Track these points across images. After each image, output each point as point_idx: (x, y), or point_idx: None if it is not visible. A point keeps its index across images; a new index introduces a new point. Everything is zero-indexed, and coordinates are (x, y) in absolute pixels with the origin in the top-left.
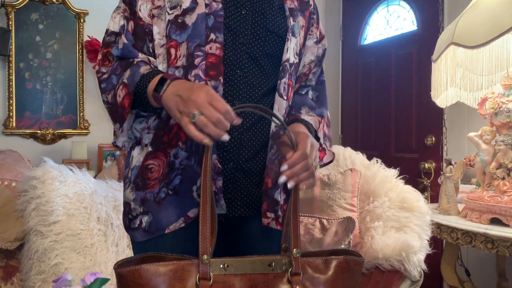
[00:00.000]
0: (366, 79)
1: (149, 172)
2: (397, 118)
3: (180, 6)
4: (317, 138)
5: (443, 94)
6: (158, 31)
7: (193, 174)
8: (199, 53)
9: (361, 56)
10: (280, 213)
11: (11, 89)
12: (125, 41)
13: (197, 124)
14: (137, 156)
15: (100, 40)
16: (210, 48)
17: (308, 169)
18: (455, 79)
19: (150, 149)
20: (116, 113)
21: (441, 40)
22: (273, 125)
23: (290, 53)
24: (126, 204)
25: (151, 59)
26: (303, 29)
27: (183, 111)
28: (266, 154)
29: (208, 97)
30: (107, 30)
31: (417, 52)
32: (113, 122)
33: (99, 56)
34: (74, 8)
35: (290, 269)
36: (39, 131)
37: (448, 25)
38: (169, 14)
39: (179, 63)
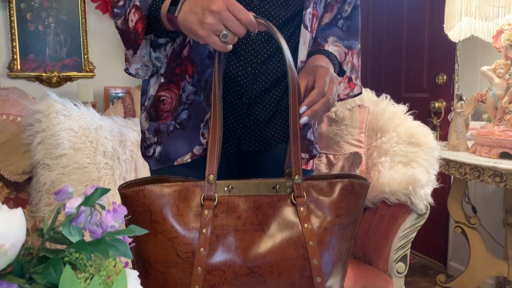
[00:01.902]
0: (377, 16)
1: (161, 103)
2: (408, 57)
3: None
4: (343, 72)
5: (456, 26)
6: None
7: (201, 110)
8: None
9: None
10: (315, 152)
11: (13, 31)
12: None
13: (227, 41)
14: (153, 85)
15: None
16: None
17: (326, 107)
18: (469, 8)
19: (162, 80)
20: (129, 39)
21: None
22: (299, 60)
23: None
24: (142, 132)
25: None
26: None
27: (204, 25)
28: (281, 87)
29: (226, 4)
30: None
31: None
32: (126, 48)
33: None
34: None
35: (293, 192)
36: (44, 74)
37: None
38: None
39: None
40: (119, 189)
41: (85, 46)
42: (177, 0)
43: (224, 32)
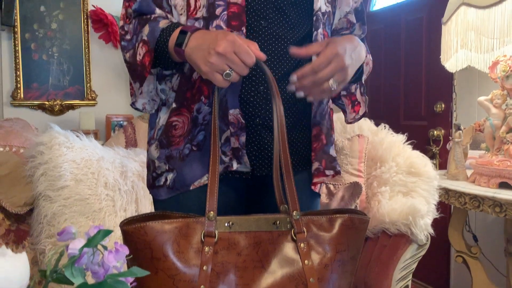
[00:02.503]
0: (375, 46)
1: (173, 129)
2: (406, 85)
3: None
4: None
5: (453, 58)
6: None
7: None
8: (221, 2)
9: (370, 23)
10: (338, 168)
11: (17, 60)
12: None
13: (229, 79)
14: (164, 115)
15: (105, 9)
16: None
17: (321, 89)
18: (465, 41)
19: (174, 105)
20: (135, 72)
21: (451, 1)
22: None
23: (321, 1)
24: (151, 162)
25: (169, 15)
26: None
27: (209, 64)
28: (296, 110)
29: (232, 47)
30: None
31: (427, 17)
32: (132, 81)
33: (122, 11)
34: None
35: (293, 228)
36: (47, 102)
37: None
38: None
39: (199, 14)
40: (120, 226)
41: (88, 75)
42: (185, 32)
43: (228, 71)
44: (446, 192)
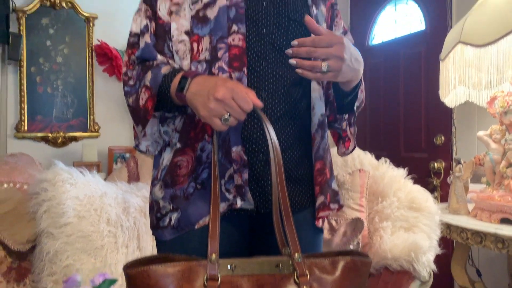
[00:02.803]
0: (374, 79)
1: (177, 168)
2: (406, 117)
3: (201, 0)
4: (357, 95)
5: (451, 93)
6: (176, 27)
7: (220, 167)
8: (222, 45)
9: (369, 57)
10: (342, 202)
11: (22, 93)
12: (148, 40)
13: (227, 124)
14: (168, 156)
15: (109, 43)
16: (233, 40)
17: (312, 65)
18: (463, 77)
19: (178, 146)
20: (138, 116)
21: (448, 39)
22: (318, 113)
23: None
24: (155, 202)
25: (171, 61)
26: (326, 20)
27: (208, 109)
28: (300, 147)
29: (231, 93)
30: (130, 32)
31: (425, 52)
32: (135, 125)
33: (125, 58)
34: (84, 12)
35: (296, 271)
36: (50, 134)
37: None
38: (191, 9)
39: (202, 57)
40: (123, 269)
41: (91, 107)
42: (186, 78)
43: (226, 116)
44: (448, 227)
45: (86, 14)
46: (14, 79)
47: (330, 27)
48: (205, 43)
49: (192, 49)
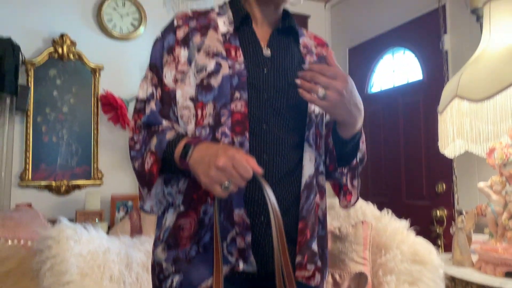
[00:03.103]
0: (374, 127)
1: (180, 230)
2: (407, 165)
3: (206, 69)
4: (357, 145)
5: (450, 146)
6: (181, 94)
7: (222, 230)
8: (225, 111)
9: (369, 104)
10: (319, 264)
11: (28, 143)
12: (153, 107)
13: (228, 191)
14: (171, 217)
15: (114, 93)
16: (236, 106)
17: (321, 93)
18: (461, 131)
19: (181, 209)
20: (144, 179)
21: (445, 92)
22: (306, 175)
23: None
24: (157, 264)
25: (175, 125)
26: None
27: (209, 176)
28: (297, 209)
29: (231, 161)
30: (137, 98)
31: (423, 101)
32: (141, 187)
33: (131, 123)
34: (90, 63)
35: None
36: (53, 183)
37: (453, 75)
38: (196, 77)
39: (205, 122)
40: None
41: (95, 155)
42: (189, 145)
43: (226, 184)
44: (452, 280)
45: (92, 65)
46: (21, 128)
47: None
48: (209, 109)
49: (196, 115)
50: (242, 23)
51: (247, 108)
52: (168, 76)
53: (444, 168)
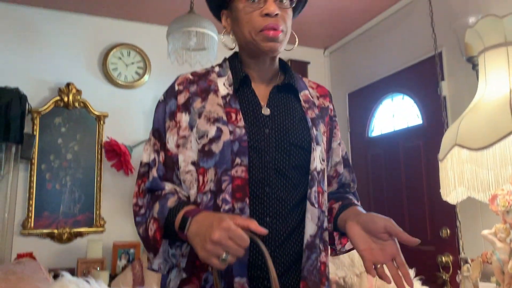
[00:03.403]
0: (376, 170)
1: None
2: (410, 209)
3: (207, 135)
4: None
5: (452, 193)
6: (183, 158)
7: None
8: (226, 177)
9: (370, 148)
10: None
11: (31, 190)
12: (155, 174)
13: (225, 263)
14: (174, 279)
15: (118, 140)
16: (236, 172)
17: None
18: (462, 179)
19: (184, 275)
20: (149, 245)
21: (445, 140)
22: (308, 234)
23: (316, 162)
24: None
25: (177, 188)
26: (325, 134)
27: (205, 250)
28: (300, 267)
29: (227, 233)
30: (141, 162)
31: (424, 145)
32: (147, 252)
33: (135, 189)
34: (95, 111)
35: None
36: (56, 231)
37: (451, 121)
38: (198, 143)
39: (207, 188)
40: None
41: (98, 202)
42: (187, 218)
43: (223, 256)
44: None
45: (97, 113)
46: (25, 176)
47: (329, 139)
48: (210, 174)
49: (198, 181)
50: (241, 84)
51: (248, 173)
52: (171, 141)
53: (447, 212)
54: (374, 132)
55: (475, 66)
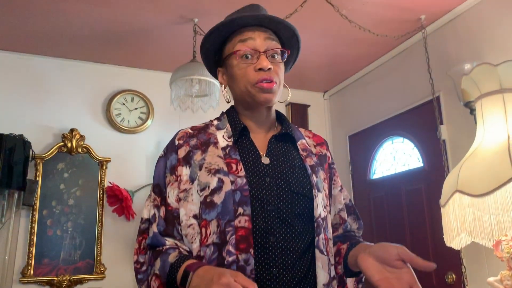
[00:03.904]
0: (379, 213)
1: None
2: (414, 253)
3: (208, 187)
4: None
5: (456, 239)
6: (185, 212)
7: None
8: (229, 228)
9: (372, 190)
10: None
11: (32, 237)
12: (155, 230)
13: None
14: None
15: (120, 185)
16: (239, 222)
17: None
18: (465, 224)
19: None
20: None
21: (446, 185)
22: (321, 283)
23: (320, 208)
24: None
25: (178, 243)
26: (326, 181)
27: None
28: None
29: None
30: (141, 218)
31: (426, 189)
32: None
33: (136, 245)
34: (98, 156)
35: None
36: (55, 278)
37: (452, 165)
38: (199, 195)
39: (210, 240)
40: None
41: (99, 248)
42: (188, 272)
43: None
44: None
45: (100, 158)
46: (26, 222)
47: (330, 186)
48: (213, 226)
49: (200, 234)
50: (240, 135)
51: (251, 223)
52: (171, 195)
53: (452, 257)
54: (376, 175)
55: (472, 111)
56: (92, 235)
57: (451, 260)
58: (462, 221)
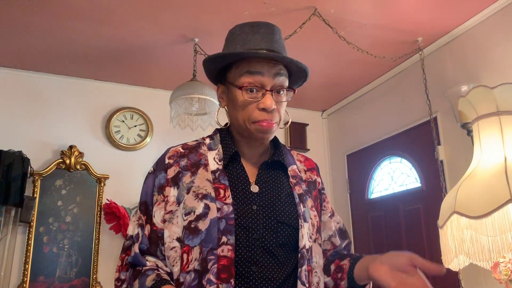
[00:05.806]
0: (377, 233)
1: None
2: None
3: (194, 212)
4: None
5: (454, 261)
6: (169, 234)
7: None
8: (212, 256)
9: (370, 210)
10: None
11: (28, 254)
12: (137, 250)
13: None
14: None
15: (118, 202)
16: (222, 251)
17: None
18: (463, 246)
19: None
20: None
21: (444, 207)
22: None
23: (305, 239)
24: None
25: (159, 263)
26: (313, 208)
27: None
28: None
29: None
30: (127, 234)
31: (424, 208)
32: None
33: (119, 262)
34: (96, 173)
35: None
36: None
37: (450, 185)
38: (184, 219)
39: (191, 267)
40: None
41: (95, 266)
42: None
43: None
44: None
45: (98, 175)
46: (22, 239)
47: (319, 212)
48: (195, 253)
49: (182, 259)
50: (231, 159)
51: (234, 252)
52: (157, 215)
53: (451, 278)
54: (374, 194)
55: (469, 132)
56: (88, 253)
57: (450, 281)
58: (460, 243)
